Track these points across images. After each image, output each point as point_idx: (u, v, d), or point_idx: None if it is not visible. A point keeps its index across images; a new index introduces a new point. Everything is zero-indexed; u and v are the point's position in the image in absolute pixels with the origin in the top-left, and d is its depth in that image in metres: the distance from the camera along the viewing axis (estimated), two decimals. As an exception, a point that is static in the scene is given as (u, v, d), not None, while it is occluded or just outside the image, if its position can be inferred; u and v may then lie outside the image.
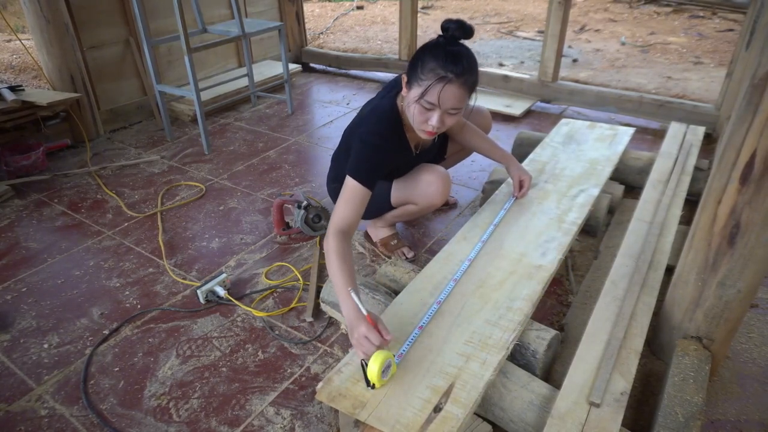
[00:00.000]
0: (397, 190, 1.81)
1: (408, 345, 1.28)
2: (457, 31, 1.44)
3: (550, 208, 1.83)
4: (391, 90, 1.68)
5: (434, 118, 1.46)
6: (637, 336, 1.33)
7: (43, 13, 2.67)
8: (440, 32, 1.49)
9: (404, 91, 1.53)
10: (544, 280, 1.49)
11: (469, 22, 1.45)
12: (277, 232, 2.09)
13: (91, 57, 2.97)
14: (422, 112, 1.47)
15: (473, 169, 2.61)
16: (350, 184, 1.47)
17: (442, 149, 2.05)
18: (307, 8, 6.39)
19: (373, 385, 1.16)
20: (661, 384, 1.35)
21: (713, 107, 2.84)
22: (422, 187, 1.74)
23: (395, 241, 1.99)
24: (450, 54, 1.40)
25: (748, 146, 1.11)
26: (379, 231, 2.02)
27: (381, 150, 1.54)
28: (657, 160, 2.17)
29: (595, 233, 2.03)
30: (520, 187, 1.89)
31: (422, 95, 1.43)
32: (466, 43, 1.49)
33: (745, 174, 1.14)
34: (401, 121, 1.65)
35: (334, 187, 1.97)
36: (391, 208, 1.88)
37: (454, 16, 1.48)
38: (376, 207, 1.86)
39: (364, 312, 1.21)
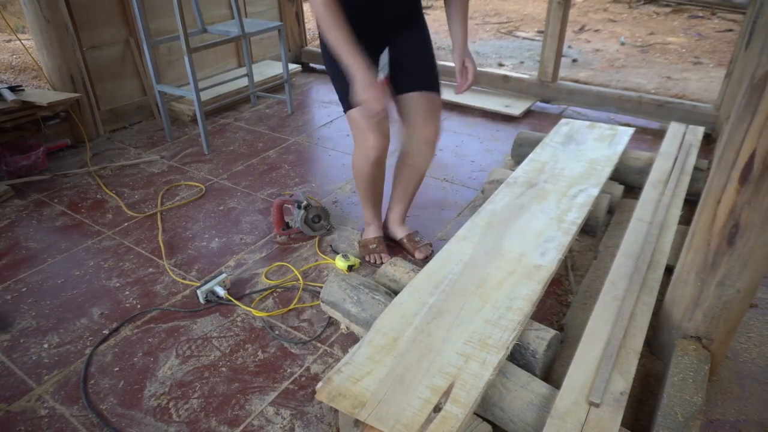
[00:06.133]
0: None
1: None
2: None
3: (550, 207, 1.83)
4: None
5: None
6: (637, 336, 1.33)
7: (43, 13, 2.67)
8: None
9: None
10: (543, 279, 1.49)
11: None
12: (276, 232, 2.09)
13: (91, 57, 2.97)
14: None
15: (473, 169, 2.61)
16: None
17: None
18: (307, 8, 6.38)
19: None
20: (661, 384, 1.35)
21: (712, 107, 2.84)
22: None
23: (375, 245, 1.94)
24: None
25: (747, 146, 1.11)
26: (372, 230, 2.00)
27: None
28: (656, 160, 2.18)
29: (595, 233, 2.03)
30: (464, 73, 1.66)
31: None
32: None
33: (744, 174, 1.14)
34: None
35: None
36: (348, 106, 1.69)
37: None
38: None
39: (383, 76, 1.46)
